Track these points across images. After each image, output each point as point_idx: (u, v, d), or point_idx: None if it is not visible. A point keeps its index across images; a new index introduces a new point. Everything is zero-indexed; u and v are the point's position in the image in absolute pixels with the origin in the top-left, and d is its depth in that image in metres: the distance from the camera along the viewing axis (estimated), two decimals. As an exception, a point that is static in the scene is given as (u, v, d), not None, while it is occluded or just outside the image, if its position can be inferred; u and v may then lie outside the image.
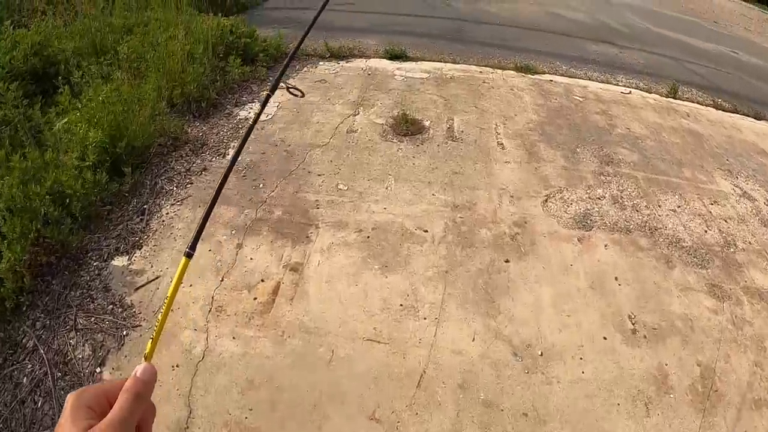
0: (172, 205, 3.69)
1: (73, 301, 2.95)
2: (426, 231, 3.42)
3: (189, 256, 0.90)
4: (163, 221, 3.55)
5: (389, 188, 3.73)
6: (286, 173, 3.85)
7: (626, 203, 4.12)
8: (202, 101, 4.63)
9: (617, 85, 6.34)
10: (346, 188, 3.71)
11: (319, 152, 4.09)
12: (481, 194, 3.79)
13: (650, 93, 6.33)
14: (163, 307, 0.77)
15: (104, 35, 4.96)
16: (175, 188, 3.84)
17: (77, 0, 5.63)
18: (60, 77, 4.22)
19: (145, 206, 3.68)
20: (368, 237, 3.34)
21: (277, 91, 4.57)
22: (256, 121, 1.52)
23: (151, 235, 3.44)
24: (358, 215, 3.49)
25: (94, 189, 3.46)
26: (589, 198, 4.06)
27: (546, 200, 3.90)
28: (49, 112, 3.98)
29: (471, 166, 4.04)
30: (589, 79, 6.25)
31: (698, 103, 6.47)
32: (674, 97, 6.39)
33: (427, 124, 4.54)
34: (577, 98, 5.58)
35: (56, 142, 3.71)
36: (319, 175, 3.84)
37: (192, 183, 3.86)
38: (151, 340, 0.72)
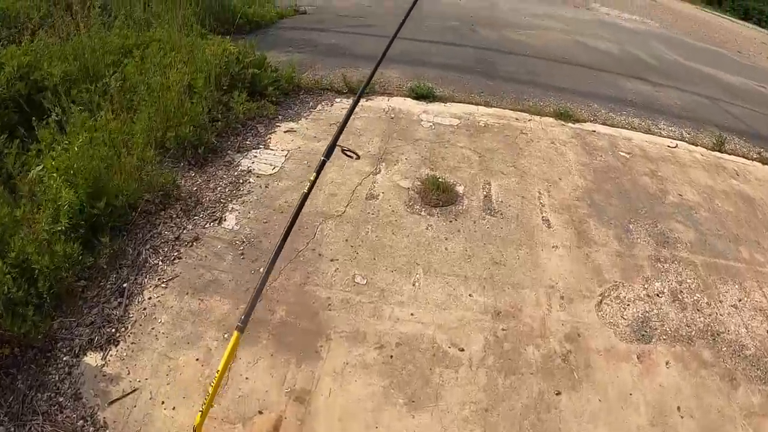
0: (156, 286, 3.01)
1: (40, 406, 2.37)
2: (462, 350, 2.73)
3: (241, 330, 1.05)
4: (145, 309, 2.87)
5: (417, 284, 3.05)
6: (292, 254, 3.16)
7: (686, 300, 3.45)
8: (200, 146, 3.93)
9: (661, 135, 5.66)
10: (364, 282, 3.02)
11: (333, 226, 3.41)
12: (527, 295, 3.10)
13: (696, 146, 5.66)
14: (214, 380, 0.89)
15: (99, 58, 4.26)
16: (160, 263, 3.16)
17: (77, 13, 4.90)
18: (46, 106, 3.56)
19: (124, 284, 3.01)
20: (391, 356, 2.65)
21: (285, 132, 3.67)
22: (308, 193, 1.43)
23: (129, 327, 2.77)
24: (379, 323, 2.80)
25: (66, 263, 2.79)
26: (647, 296, 3.38)
27: (600, 302, 3.22)
28: (29, 152, 3.30)
29: (514, 253, 3.36)
30: (632, 128, 5.57)
31: (743, 156, 5.82)
32: (720, 151, 5.73)
33: (460, 190, 3.85)
34: (624, 154, 4.89)
35: (31, 192, 3.06)
36: (332, 260, 3.15)
37: (181, 258, 3.18)
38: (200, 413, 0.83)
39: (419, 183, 3.85)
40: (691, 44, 10.92)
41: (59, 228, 2.81)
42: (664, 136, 5.63)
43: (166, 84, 3.90)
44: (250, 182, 3.81)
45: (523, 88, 5.69)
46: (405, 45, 6.63)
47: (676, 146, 5.47)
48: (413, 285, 3.04)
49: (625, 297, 3.32)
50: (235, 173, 3.87)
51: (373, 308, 2.88)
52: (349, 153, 1.57)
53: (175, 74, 4.00)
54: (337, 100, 4.86)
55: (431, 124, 4.65)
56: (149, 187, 3.50)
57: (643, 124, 5.81)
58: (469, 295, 3.02)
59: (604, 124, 5.44)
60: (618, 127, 5.49)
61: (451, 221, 3.53)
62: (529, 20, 10.64)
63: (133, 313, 2.85)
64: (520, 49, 7.49)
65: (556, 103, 5.43)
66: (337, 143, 1.94)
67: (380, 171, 3.98)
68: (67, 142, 3.26)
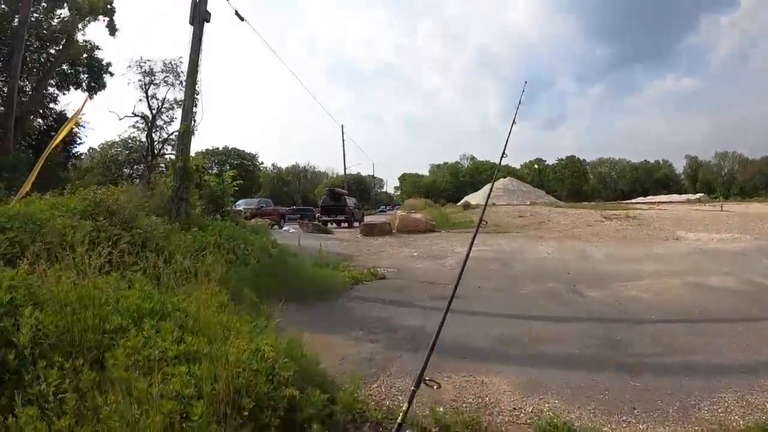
0: None
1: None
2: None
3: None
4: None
5: None
6: None
7: None
8: None
9: None
10: None
11: None
12: None
13: None
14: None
15: (96, 318, 3.03)
16: None
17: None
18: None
19: None
20: None
21: None
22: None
23: None
24: None
25: None
26: None
27: None
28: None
29: None
30: None
31: None
32: None
33: None
34: None
35: None
36: None
37: None
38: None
39: None
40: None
41: None
42: None
43: (146, 405, 2.47)
44: None
45: (677, 381, 3.84)
46: (504, 326, 5.26)
47: None
48: None
49: None
50: None
51: None
52: (430, 383, 1.65)
53: (166, 386, 2.58)
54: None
55: None
56: None
57: None
58: None
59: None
60: None
61: None
62: (629, 267, 9.26)
63: None
64: (639, 310, 5.87)
65: (738, 401, 3.47)
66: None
67: None
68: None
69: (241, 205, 24.64)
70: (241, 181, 12.20)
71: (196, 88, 9.31)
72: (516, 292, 7.11)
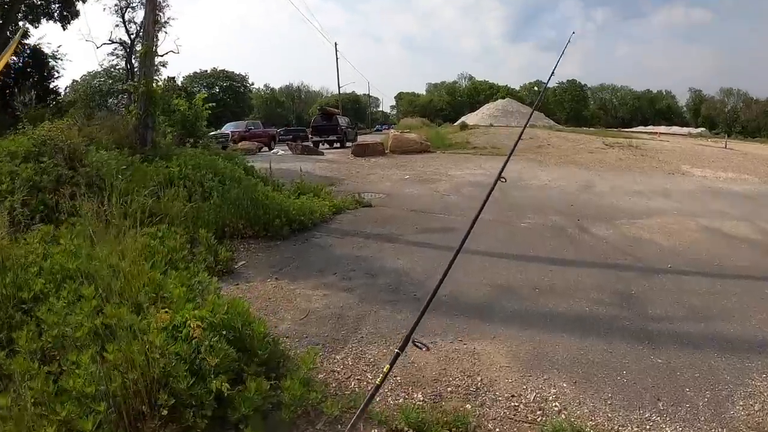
0: None
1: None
2: None
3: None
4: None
5: None
6: None
7: None
8: None
9: None
10: None
11: None
12: None
13: None
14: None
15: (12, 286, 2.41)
16: None
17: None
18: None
19: None
20: None
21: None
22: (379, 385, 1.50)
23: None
24: None
25: None
26: None
27: None
28: None
29: None
30: None
31: None
32: None
33: None
34: None
35: None
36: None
37: None
38: None
39: None
40: None
41: None
42: None
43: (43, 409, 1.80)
44: None
45: (704, 359, 3.10)
46: (503, 269, 4.47)
47: None
48: None
49: None
50: None
51: None
52: (419, 344, 1.53)
53: (67, 380, 1.88)
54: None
55: None
56: None
57: None
58: None
59: None
60: None
61: None
62: (635, 201, 8.44)
63: None
64: (653, 256, 5.12)
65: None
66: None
67: None
68: None
69: (230, 128, 23.19)
70: (213, 104, 10.98)
71: (160, 2, 7.94)
72: (516, 226, 6.32)
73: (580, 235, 5.91)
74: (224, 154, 8.53)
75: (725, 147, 21.55)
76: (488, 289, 3.96)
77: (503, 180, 2.66)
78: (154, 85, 7.69)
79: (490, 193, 2.54)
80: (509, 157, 2.89)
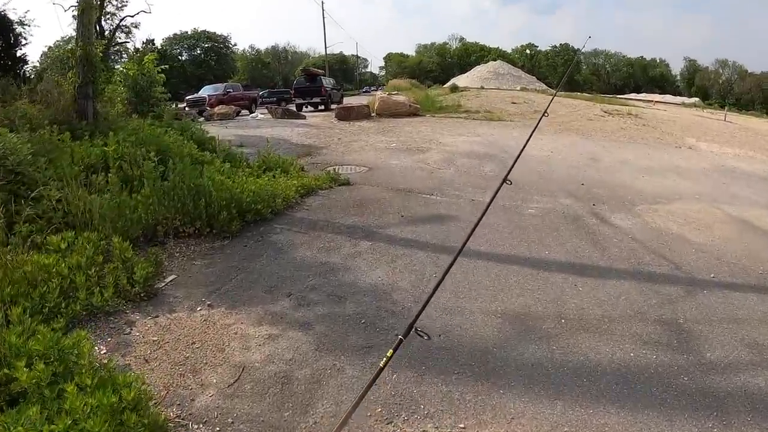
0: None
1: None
2: None
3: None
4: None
5: None
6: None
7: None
8: None
9: None
10: None
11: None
12: None
13: None
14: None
15: None
16: None
17: None
18: None
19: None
20: None
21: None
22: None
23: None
24: None
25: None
26: None
27: None
28: None
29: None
30: None
31: None
32: None
33: None
34: None
35: None
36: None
37: None
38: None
39: None
40: None
41: None
42: None
43: None
44: None
45: None
46: (514, 282, 3.38)
47: None
48: None
49: None
50: None
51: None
52: (421, 333, 1.51)
53: None
54: None
55: None
56: None
57: None
58: None
59: None
60: None
61: None
62: (650, 181, 7.39)
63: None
64: (690, 259, 4.12)
65: None
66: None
67: None
68: None
69: (207, 91, 21.30)
70: (170, 67, 9.58)
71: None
72: (523, 213, 5.22)
73: (599, 227, 4.85)
74: (178, 125, 7.17)
75: (725, 120, 20.51)
76: (498, 320, 2.88)
77: (509, 183, 2.23)
78: (95, 48, 6.32)
79: (493, 197, 1.59)
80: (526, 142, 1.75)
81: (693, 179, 7.91)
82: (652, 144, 11.78)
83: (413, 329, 1.62)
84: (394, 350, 1.60)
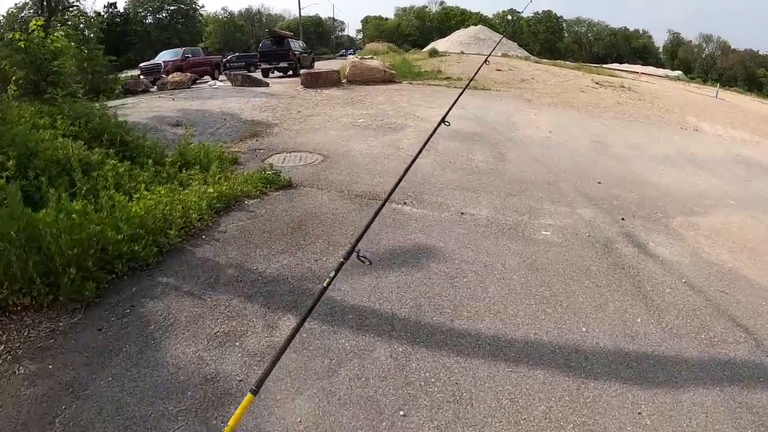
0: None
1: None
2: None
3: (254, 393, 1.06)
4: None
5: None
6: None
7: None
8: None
9: None
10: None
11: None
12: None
13: None
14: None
15: None
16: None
17: None
18: None
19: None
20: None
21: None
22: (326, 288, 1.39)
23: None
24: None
25: None
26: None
27: None
28: None
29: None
30: None
31: None
32: None
33: None
34: None
35: None
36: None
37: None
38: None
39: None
40: None
41: None
42: None
43: None
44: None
45: None
46: (539, 409, 1.86)
47: None
48: None
49: None
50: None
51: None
52: (362, 258, 1.49)
53: None
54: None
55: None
56: None
57: None
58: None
59: None
60: None
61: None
62: (675, 177, 5.92)
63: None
64: (765, 321, 2.73)
65: None
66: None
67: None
68: None
69: (164, 57, 18.60)
70: (134, 32, 7.59)
71: None
72: (536, 239, 3.65)
73: (641, 262, 3.32)
74: (73, 111, 5.11)
75: (716, 96, 19.19)
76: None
77: (447, 123, 2.27)
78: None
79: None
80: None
81: (714, 172, 6.50)
82: (655, 123, 10.31)
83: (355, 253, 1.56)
84: (336, 271, 1.53)
